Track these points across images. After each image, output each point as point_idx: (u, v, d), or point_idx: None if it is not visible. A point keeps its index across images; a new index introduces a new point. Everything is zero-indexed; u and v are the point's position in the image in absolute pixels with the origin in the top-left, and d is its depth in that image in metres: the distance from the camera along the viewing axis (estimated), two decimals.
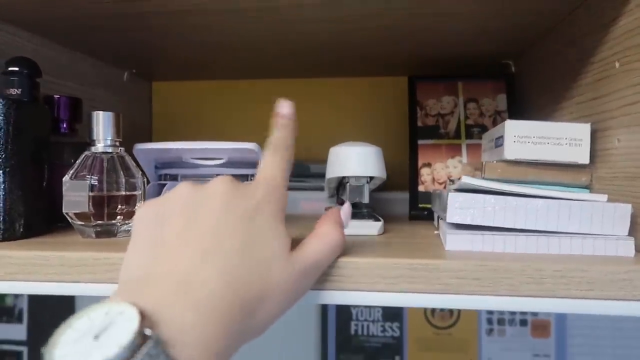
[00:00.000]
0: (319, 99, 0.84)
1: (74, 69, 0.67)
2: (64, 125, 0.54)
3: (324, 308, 0.80)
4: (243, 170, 0.54)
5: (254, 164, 0.54)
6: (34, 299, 0.87)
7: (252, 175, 0.54)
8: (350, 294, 0.34)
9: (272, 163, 0.34)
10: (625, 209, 0.36)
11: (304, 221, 0.56)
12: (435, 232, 0.47)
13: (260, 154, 0.49)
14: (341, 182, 0.53)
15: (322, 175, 0.69)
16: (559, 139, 0.43)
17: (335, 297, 0.34)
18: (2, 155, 0.40)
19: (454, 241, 0.37)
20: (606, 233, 0.36)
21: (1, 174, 0.40)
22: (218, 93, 0.87)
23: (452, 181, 0.61)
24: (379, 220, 0.47)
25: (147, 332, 0.21)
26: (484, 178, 0.43)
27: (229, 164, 0.53)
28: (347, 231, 0.45)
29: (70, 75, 0.66)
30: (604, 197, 0.37)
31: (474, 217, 0.37)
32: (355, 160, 0.47)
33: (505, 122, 0.44)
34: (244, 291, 0.26)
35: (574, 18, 0.50)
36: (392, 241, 0.42)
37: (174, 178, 0.55)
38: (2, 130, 0.40)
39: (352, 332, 0.79)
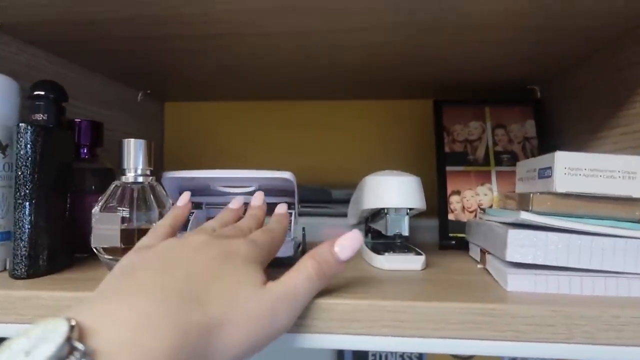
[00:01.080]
0: (339, 122, 0.82)
1: (90, 90, 0.65)
2: (85, 151, 0.51)
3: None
4: (272, 199, 0.52)
5: (285, 192, 0.52)
6: None
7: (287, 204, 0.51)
8: (411, 341, 0.32)
9: (265, 232, 0.36)
10: None
11: None
12: (479, 266, 0.45)
13: (294, 183, 0.47)
14: (377, 213, 0.51)
15: (343, 201, 0.67)
16: (612, 171, 0.41)
17: (394, 344, 0.32)
18: (29, 185, 0.38)
19: (516, 281, 0.35)
20: None
21: (27, 206, 0.38)
22: (231, 114, 0.84)
23: (483, 210, 0.59)
24: (420, 254, 0.44)
25: (76, 344, 0.21)
26: (531, 211, 0.41)
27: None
28: (389, 266, 0.43)
29: (86, 96, 0.64)
30: None
31: (536, 256, 0.35)
32: (397, 190, 0.45)
33: (555, 153, 0.42)
34: (200, 313, 0.26)
35: (619, 46, 0.48)
36: (439, 278, 0.40)
37: (198, 206, 0.52)
38: (30, 159, 0.38)
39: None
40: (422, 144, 0.77)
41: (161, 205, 0.42)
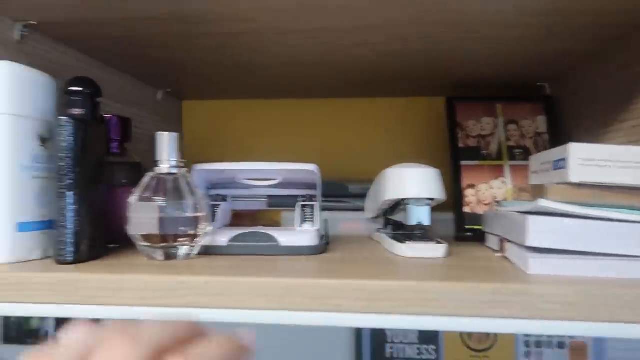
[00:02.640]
0: (355, 118, 0.84)
1: (113, 87, 0.67)
2: (115, 145, 0.53)
3: (358, 330, 0.79)
4: (295, 191, 0.54)
5: (309, 185, 0.53)
6: (61, 322, 0.85)
7: (304, 197, 0.53)
8: (436, 320, 0.33)
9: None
10: None
11: (343, 242, 0.56)
12: (498, 254, 0.47)
13: (319, 175, 0.49)
14: (396, 205, 0.53)
15: (361, 196, 0.69)
16: (625, 162, 0.43)
17: (419, 322, 0.34)
18: (71, 176, 0.40)
19: (537, 265, 0.37)
20: None
21: (72, 196, 0.40)
22: (247, 112, 0.86)
23: (498, 202, 0.61)
24: (442, 243, 0.46)
25: None
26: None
27: (283, 185, 0.53)
28: (412, 253, 0.45)
29: (109, 93, 0.66)
30: None
31: (555, 241, 0.37)
32: (418, 181, 0.46)
33: (569, 145, 0.44)
34: None
35: (628, 42, 0.50)
36: (462, 265, 0.42)
37: (224, 199, 0.54)
38: (73, 151, 0.40)
39: (388, 355, 0.78)
40: (436, 139, 0.79)
41: (194, 196, 0.44)
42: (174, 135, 0.45)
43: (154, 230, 0.41)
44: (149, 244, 0.42)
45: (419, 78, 0.71)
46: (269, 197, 0.56)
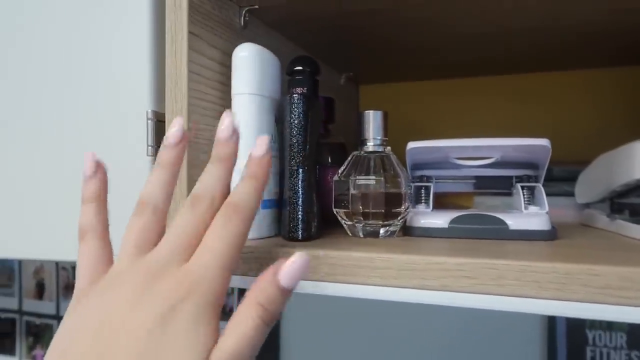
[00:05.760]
0: (548, 95, 0.76)
1: None
2: (321, 125, 0.53)
3: (552, 330, 0.72)
4: (512, 172, 0.49)
5: (527, 165, 0.49)
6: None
7: (519, 177, 0.49)
8: None
9: (218, 237, 0.28)
10: None
11: (562, 229, 0.50)
12: None
13: (550, 151, 0.44)
14: (635, 187, 0.45)
15: (566, 179, 0.62)
16: None
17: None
18: (302, 153, 0.40)
19: None
20: None
21: (301, 172, 0.40)
22: (424, 94, 0.83)
23: None
24: None
25: None
26: None
27: (497, 164, 0.48)
28: None
29: None
30: None
31: None
32: None
33: None
34: None
35: None
36: None
37: (430, 180, 0.52)
38: (304, 128, 0.40)
39: (589, 359, 0.70)
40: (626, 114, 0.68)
41: (396, 174, 0.42)
42: (380, 113, 0.44)
43: (358, 207, 0.41)
44: (351, 222, 0.42)
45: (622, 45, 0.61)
46: (477, 178, 0.52)
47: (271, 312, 0.27)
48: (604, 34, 0.57)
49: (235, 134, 0.31)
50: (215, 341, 0.26)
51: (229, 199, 0.29)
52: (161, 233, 0.30)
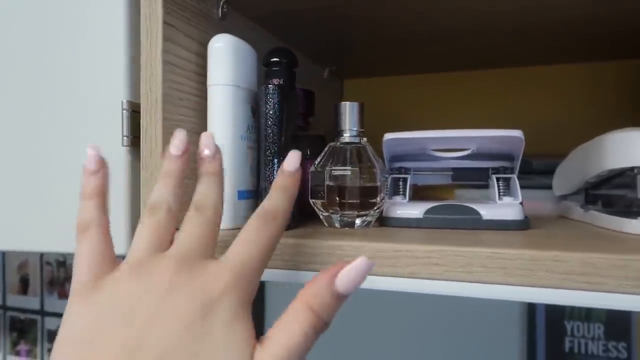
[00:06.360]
0: (531, 90, 0.77)
1: None
2: (299, 118, 0.53)
3: (531, 320, 0.73)
4: (489, 163, 0.50)
5: (503, 156, 0.49)
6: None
7: (495, 169, 0.49)
8: None
9: (256, 238, 0.28)
10: None
11: (537, 220, 0.51)
12: None
13: (523, 143, 0.44)
14: (609, 178, 0.46)
15: (545, 172, 0.63)
16: None
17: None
18: (277, 143, 0.40)
19: None
20: None
21: (276, 163, 0.40)
22: (410, 88, 0.83)
23: None
24: None
25: None
26: None
27: (474, 155, 0.49)
28: None
29: None
30: None
31: None
32: None
33: None
34: None
35: None
36: None
37: (407, 172, 0.52)
38: (279, 119, 0.40)
39: (567, 349, 0.71)
40: (630, 108, 0.69)
41: (371, 166, 0.43)
42: (356, 104, 0.44)
43: (334, 198, 0.41)
44: (327, 213, 0.42)
45: (607, 40, 0.62)
46: (454, 170, 0.52)
47: (324, 321, 0.26)
48: (583, 28, 0.58)
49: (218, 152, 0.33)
50: (254, 341, 0.25)
51: (265, 206, 0.30)
52: (174, 233, 0.30)
